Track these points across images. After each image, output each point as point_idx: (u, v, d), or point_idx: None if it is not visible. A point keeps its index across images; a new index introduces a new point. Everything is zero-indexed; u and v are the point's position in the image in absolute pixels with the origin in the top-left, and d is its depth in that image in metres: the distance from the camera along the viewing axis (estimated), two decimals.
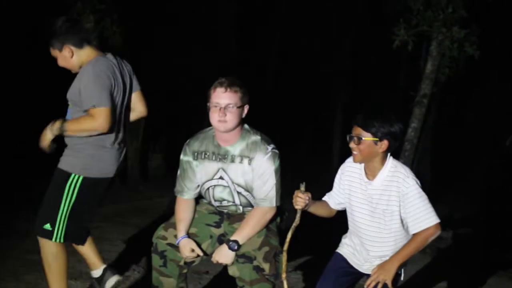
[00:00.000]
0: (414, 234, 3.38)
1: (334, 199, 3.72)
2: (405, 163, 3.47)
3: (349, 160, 3.61)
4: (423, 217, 3.33)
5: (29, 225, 4.25)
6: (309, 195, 3.49)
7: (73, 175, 3.85)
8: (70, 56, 3.89)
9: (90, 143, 3.86)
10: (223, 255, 3.64)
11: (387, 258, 3.46)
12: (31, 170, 7.88)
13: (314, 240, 6.29)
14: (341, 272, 3.68)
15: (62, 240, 3.89)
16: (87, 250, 4.13)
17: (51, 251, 3.91)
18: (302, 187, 3.48)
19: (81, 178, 3.86)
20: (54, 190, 3.88)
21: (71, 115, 3.90)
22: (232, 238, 3.65)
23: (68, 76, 3.99)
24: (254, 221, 3.66)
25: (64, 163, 3.89)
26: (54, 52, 3.92)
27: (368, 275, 3.54)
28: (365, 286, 3.41)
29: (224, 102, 3.58)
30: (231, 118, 3.58)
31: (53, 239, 3.87)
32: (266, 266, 3.58)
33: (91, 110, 3.73)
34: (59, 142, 3.90)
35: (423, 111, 7.85)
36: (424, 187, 3.40)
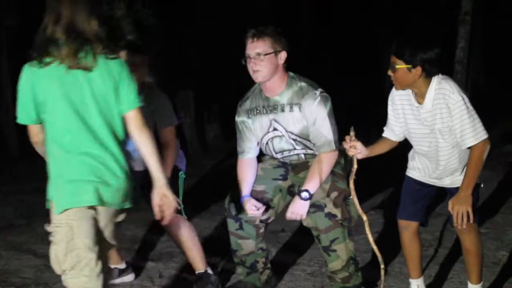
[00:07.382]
0: (468, 158, 3.38)
1: (393, 131, 3.68)
2: (458, 85, 3.41)
3: (394, 89, 3.59)
4: (470, 133, 3.32)
5: None
6: (359, 143, 3.48)
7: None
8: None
9: None
10: (298, 207, 3.65)
11: (458, 171, 3.50)
12: None
13: (378, 175, 6.27)
14: (417, 194, 3.71)
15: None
16: None
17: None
18: (352, 133, 3.46)
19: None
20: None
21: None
22: (303, 188, 3.66)
23: None
24: (319, 167, 3.66)
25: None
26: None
27: (443, 189, 3.64)
28: (455, 225, 3.42)
29: (252, 52, 3.64)
30: (263, 67, 3.62)
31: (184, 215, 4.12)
32: (337, 212, 3.62)
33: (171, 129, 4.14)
34: None
35: (468, 29, 7.68)
36: (480, 102, 3.34)
